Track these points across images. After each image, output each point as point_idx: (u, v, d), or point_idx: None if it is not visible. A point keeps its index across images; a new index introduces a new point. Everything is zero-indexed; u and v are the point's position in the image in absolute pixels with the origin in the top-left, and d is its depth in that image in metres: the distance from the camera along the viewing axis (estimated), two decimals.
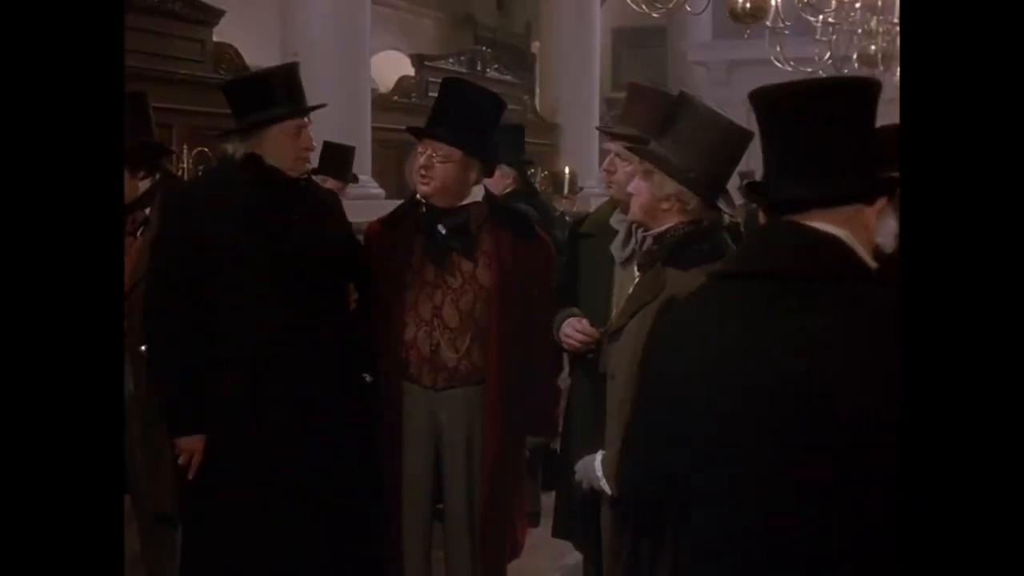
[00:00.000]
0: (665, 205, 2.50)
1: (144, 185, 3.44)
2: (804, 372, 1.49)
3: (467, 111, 3.10)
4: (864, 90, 1.62)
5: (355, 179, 5.58)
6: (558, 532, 3.10)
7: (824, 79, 1.61)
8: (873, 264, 1.60)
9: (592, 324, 2.84)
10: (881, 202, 1.60)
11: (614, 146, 2.88)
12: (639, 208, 2.55)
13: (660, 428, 1.72)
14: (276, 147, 3.02)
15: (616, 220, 2.87)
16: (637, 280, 2.63)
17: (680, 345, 1.69)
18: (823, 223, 1.59)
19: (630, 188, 2.58)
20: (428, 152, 3.08)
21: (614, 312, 2.75)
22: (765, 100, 1.65)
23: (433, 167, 3.06)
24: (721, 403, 1.58)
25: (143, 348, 3.17)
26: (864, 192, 1.59)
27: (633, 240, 2.77)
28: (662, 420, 1.71)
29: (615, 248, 2.83)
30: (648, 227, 2.58)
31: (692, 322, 1.70)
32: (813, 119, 1.60)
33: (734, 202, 2.61)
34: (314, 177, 3.48)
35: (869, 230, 1.60)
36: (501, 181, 5.07)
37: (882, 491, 1.44)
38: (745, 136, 2.51)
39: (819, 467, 1.49)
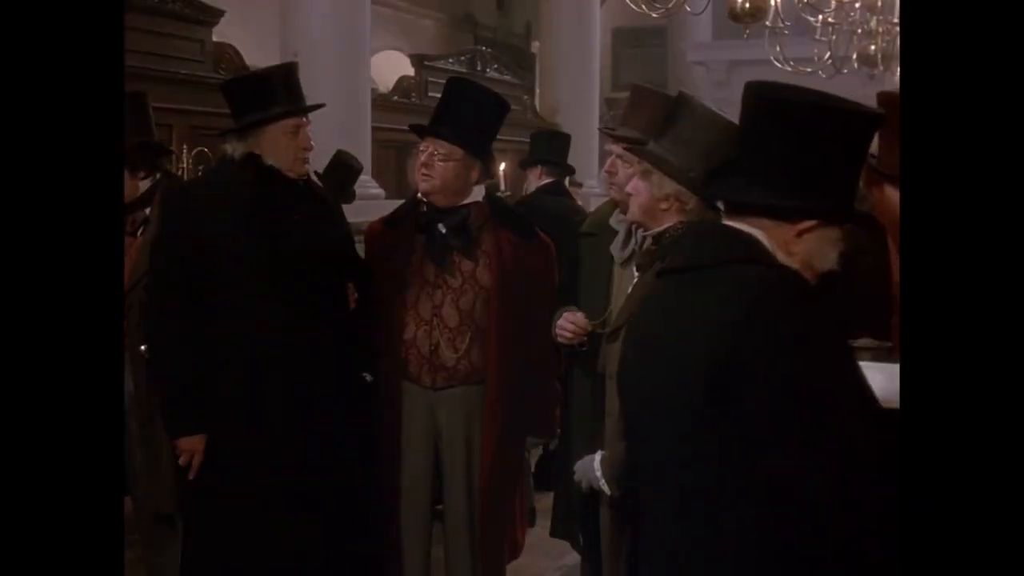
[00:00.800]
0: (664, 205, 2.50)
1: (144, 185, 3.44)
2: (710, 350, 1.58)
3: (470, 111, 3.11)
4: (850, 121, 1.66)
5: (352, 198, 5.59)
6: (556, 532, 3.10)
7: (821, 103, 1.64)
8: (786, 262, 1.66)
9: (587, 317, 2.84)
10: (806, 224, 1.67)
11: (616, 148, 2.88)
12: (638, 208, 2.54)
13: (627, 424, 1.85)
14: (274, 146, 3.02)
15: (616, 220, 2.87)
16: (636, 280, 2.62)
17: (632, 343, 1.83)
18: (745, 225, 1.68)
19: (628, 188, 2.57)
20: (430, 150, 3.08)
21: (612, 312, 2.75)
22: (752, 93, 1.70)
23: (434, 165, 3.07)
24: (654, 394, 1.69)
25: (143, 348, 3.17)
26: (776, 208, 1.66)
27: (633, 240, 2.77)
28: (627, 416, 1.84)
29: (615, 248, 2.83)
30: (647, 227, 2.58)
31: (641, 320, 1.84)
32: (779, 130, 1.65)
33: None
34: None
35: (787, 244, 1.67)
36: (535, 180, 5.27)
37: (783, 466, 1.52)
38: None
39: (719, 442, 1.58)
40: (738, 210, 1.70)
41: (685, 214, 2.50)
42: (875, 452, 1.47)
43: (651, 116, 2.77)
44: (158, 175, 3.51)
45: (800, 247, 1.67)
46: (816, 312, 1.58)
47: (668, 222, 2.52)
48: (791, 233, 1.66)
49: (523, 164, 5.53)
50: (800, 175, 1.64)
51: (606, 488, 2.51)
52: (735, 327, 1.55)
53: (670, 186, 2.47)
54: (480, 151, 3.12)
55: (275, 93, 3.02)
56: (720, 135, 2.49)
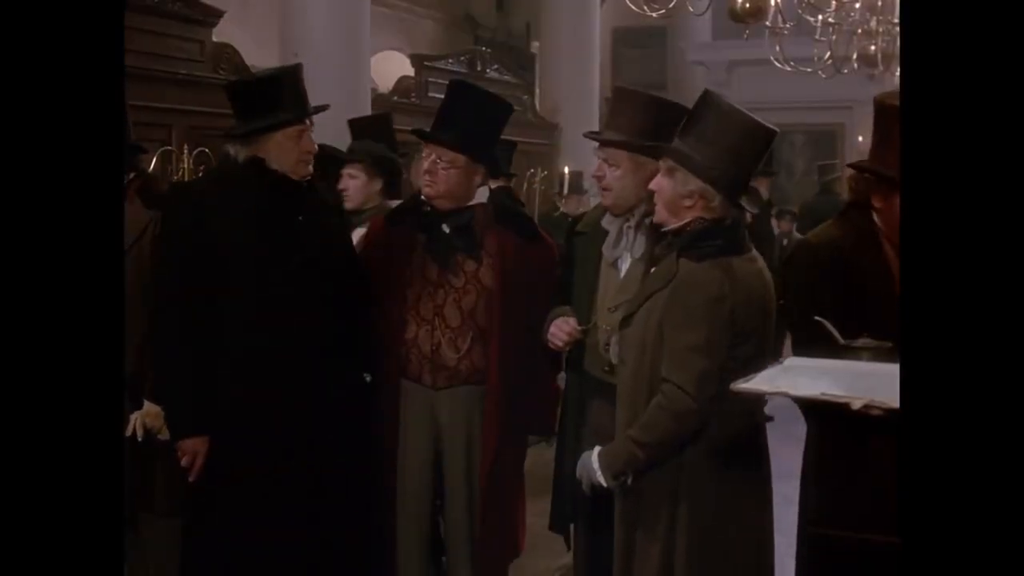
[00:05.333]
0: (688, 202, 2.51)
1: None
2: None
3: (473, 115, 3.10)
4: None
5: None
6: (555, 527, 3.13)
7: None
8: None
9: (580, 323, 2.88)
10: None
11: (602, 152, 2.89)
12: (662, 205, 2.55)
13: None
14: (279, 151, 3.00)
15: (607, 221, 2.90)
16: (653, 271, 2.62)
17: None
18: None
19: (651, 185, 2.58)
20: (432, 157, 3.08)
21: (599, 309, 2.82)
22: None
23: (437, 172, 3.07)
24: None
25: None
26: None
27: (624, 240, 2.81)
28: None
29: (606, 247, 2.86)
30: (667, 223, 2.58)
31: None
32: None
33: (760, 199, 2.63)
34: None
35: None
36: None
37: None
38: (769, 134, 2.52)
39: None
40: None
41: (709, 211, 2.50)
42: None
43: (634, 117, 2.79)
44: (131, 175, 3.46)
45: None
46: None
47: (689, 218, 2.52)
48: None
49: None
50: None
51: (603, 480, 2.53)
52: None
53: (694, 183, 2.49)
54: (483, 156, 3.11)
55: (281, 97, 3.00)
56: (745, 133, 2.50)
